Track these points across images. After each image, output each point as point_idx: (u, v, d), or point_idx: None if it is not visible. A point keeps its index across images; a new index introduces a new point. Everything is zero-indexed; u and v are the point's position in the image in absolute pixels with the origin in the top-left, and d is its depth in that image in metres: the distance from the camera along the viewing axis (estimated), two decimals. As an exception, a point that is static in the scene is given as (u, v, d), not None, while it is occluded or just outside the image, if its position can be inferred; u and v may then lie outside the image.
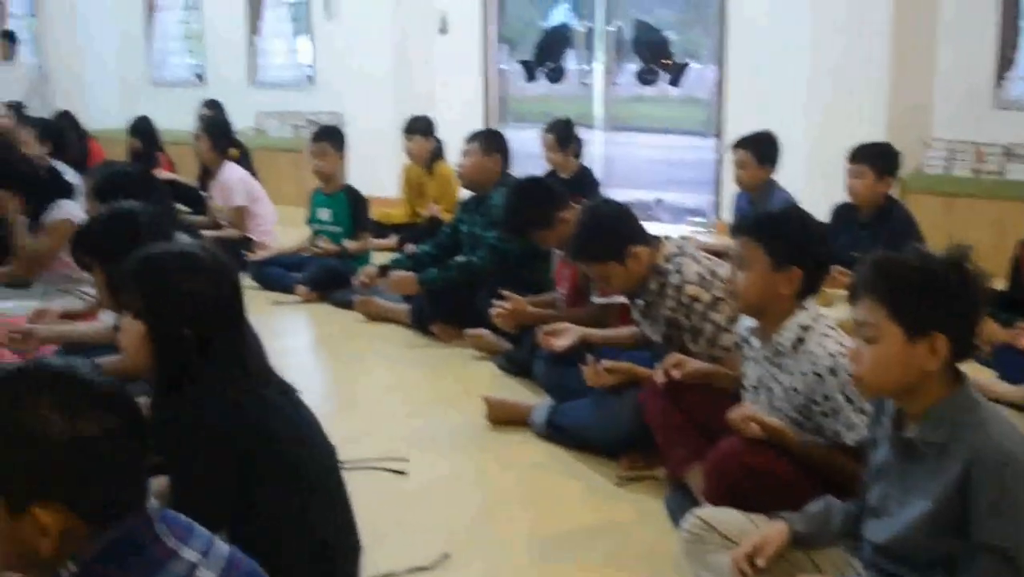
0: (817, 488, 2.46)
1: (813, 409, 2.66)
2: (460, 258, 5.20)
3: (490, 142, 5.28)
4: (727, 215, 6.54)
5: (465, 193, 5.72)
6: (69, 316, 4.51)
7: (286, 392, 2.25)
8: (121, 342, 2.26)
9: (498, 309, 4.38)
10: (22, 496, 1.40)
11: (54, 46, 11.79)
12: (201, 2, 10.68)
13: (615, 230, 3.48)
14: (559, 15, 9.24)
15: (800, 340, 2.70)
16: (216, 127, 6.87)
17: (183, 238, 3.29)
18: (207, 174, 7.12)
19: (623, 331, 3.87)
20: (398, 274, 5.18)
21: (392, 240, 6.98)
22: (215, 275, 2.22)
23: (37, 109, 10.57)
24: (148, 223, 3.03)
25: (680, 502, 3.07)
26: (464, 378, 4.56)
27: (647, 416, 3.27)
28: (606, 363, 3.46)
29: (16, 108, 9.54)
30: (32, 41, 12.05)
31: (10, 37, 11.32)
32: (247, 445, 2.05)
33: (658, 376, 3.16)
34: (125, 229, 2.99)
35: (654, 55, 8.51)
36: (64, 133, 7.49)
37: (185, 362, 2.14)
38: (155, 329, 2.17)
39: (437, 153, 7.17)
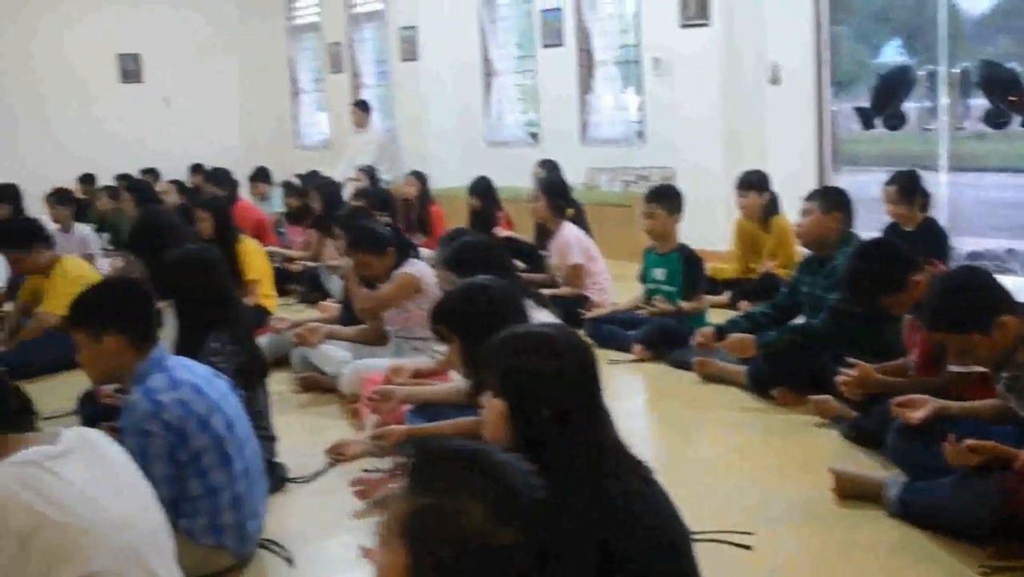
0: None
1: None
2: (800, 321, 5.05)
3: (831, 200, 5.10)
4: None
5: (803, 249, 5.56)
6: (421, 374, 4.78)
7: (642, 473, 2.26)
8: (483, 419, 2.36)
9: (843, 377, 4.20)
10: (423, 571, 1.47)
11: (401, 111, 12.65)
12: (536, 64, 11.11)
13: (980, 299, 3.25)
14: (890, 53, 8.87)
15: None
16: (553, 187, 7.07)
17: (535, 311, 3.41)
18: (544, 232, 7.34)
19: (984, 404, 3.60)
20: (736, 336, 5.09)
21: (724, 296, 6.91)
22: (571, 356, 2.27)
23: (386, 171, 11.40)
24: (502, 297, 3.16)
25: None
26: (807, 446, 4.40)
27: (1016, 502, 3.02)
28: (970, 442, 3.23)
29: (369, 172, 10.31)
30: (382, 108, 12.99)
31: (364, 107, 12.28)
32: (606, 531, 2.07)
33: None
34: (481, 304, 3.13)
35: (1003, 94, 7.96)
36: (392, 201, 8.03)
37: (544, 442, 2.20)
38: (514, 409, 2.24)
39: (772, 207, 7.03)
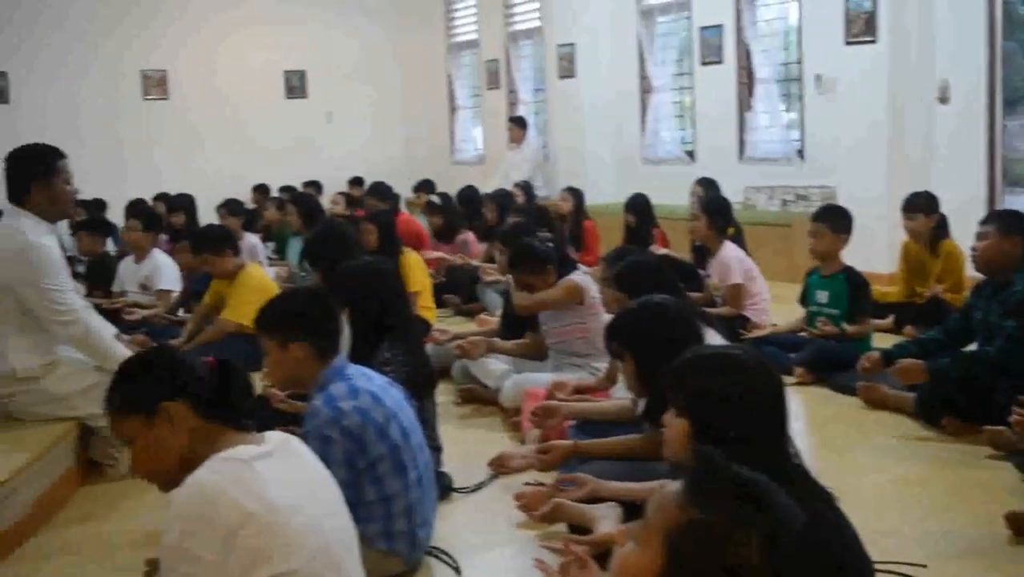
0: None
1: None
2: (973, 348, 4.89)
3: (1010, 223, 4.92)
4: None
5: (973, 274, 5.38)
6: (582, 390, 4.82)
7: (825, 499, 2.24)
8: (665, 438, 2.38)
9: (1017, 416, 4.01)
10: None
11: (557, 128, 12.74)
12: (694, 81, 11.05)
13: None
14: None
15: None
16: (715, 206, 7.01)
17: (705, 331, 3.40)
18: (702, 251, 7.29)
19: None
20: (906, 362, 4.95)
21: (888, 320, 6.74)
22: (758, 379, 2.28)
23: (540, 187, 11.51)
24: (678, 317, 3.17)
25: None
26: (979, 478, 4.25)
27: None
28: None
29: (526, 187, 10.43)
30: (538, 125, 13.11)
31: (520, 123, 12.42)
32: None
33: None
34: (657, 323, 3.14)
35: None
36: (549, 217, 8.11)
37: (727, 463, 2.20)
38: (698, 430, 2.26)
39: (941, 230, 6.82)
